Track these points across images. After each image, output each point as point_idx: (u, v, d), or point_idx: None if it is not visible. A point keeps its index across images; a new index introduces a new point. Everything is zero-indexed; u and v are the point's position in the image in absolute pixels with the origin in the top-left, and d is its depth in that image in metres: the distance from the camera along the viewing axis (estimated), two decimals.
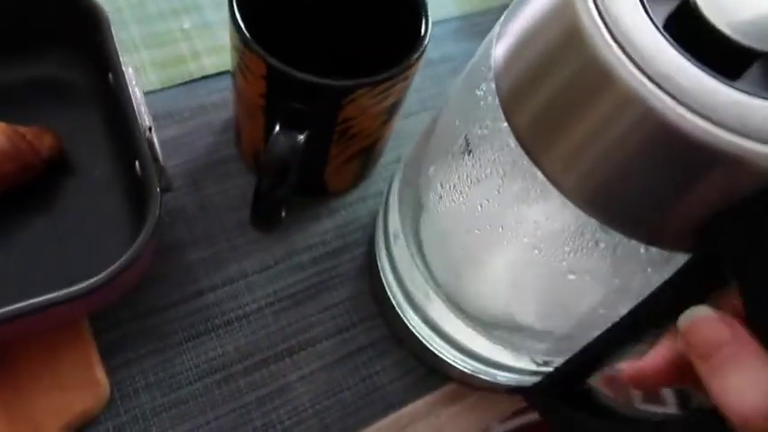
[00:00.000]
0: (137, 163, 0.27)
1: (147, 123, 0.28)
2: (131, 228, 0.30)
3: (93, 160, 0.32)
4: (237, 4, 0.27)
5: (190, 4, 0.40)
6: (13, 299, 0.27)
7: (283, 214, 0.31)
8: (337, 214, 0.35)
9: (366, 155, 0.33)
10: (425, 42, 0.28)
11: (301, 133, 0.27)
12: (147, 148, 0.27)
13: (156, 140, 0.30)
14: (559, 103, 0.17)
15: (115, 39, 0.29)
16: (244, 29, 0.26)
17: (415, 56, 0.27)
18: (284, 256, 0.34)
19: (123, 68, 0.28)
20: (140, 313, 0.31)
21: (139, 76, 0.37)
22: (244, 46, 0.26)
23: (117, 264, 0.24)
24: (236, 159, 0.36)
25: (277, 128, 0.27)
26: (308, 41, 0.35)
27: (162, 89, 0.37)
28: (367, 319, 0.33)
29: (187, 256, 0.33)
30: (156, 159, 0.28)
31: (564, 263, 0.21)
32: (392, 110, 0.30)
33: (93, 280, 0.24)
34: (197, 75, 0.38)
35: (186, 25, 0.39)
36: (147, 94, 0.36)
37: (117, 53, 0.28)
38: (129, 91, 0.27)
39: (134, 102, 0.27)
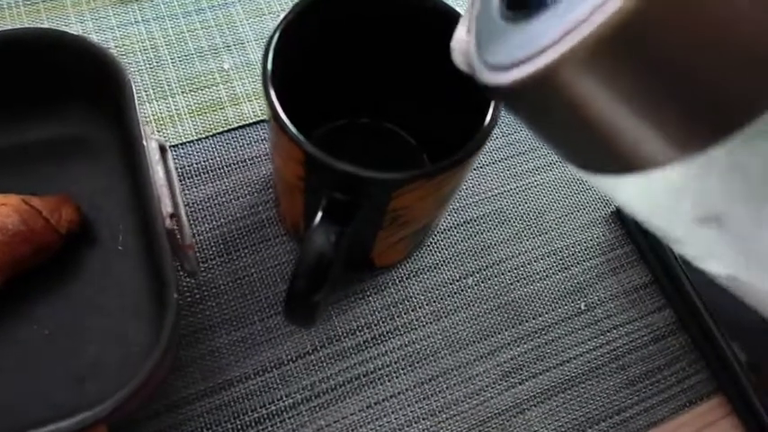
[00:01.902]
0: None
1: (170, 209, 0.24)
2: (154, 309, 0.27)
3: (115, 230, 0.29)
4: (272, 75, 0.23)
5: (231, 40, 0.36)
6: (21, 404, 0.24)
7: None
8: (385, 291, 0.31)
9: (419, 233, 0.29)
10: (494, 126, 0.23)
11: (345, 225, 0.23)
12: (165, 241, 0.23)
13: (184, 217, 0.26)
14: None
15: (137, 106, 0.25)
16: (279, 110, 0.22)
17: (479, 143, 0.22)
18: (324, 342, 0.30)
19: (145, 142, 0.25)
20: (161, 409, 0.27)
21: (174, 126, 0.33)
22: (279, 128, 0.22)
23: (126, 389, 0.21)
24: (275, 222, 0.32)
25: (317, 219, 0.23)
26: (354, 89, 0.31)
27: (198, 139, 0.34)
28: (419, 420, 0.29)
29: (216, 340, 0.29)
30: (179, 246, 0.25)
31: None
32: (450, 194, 0.25)
33: (98, 409, 0.21)
34: (235, 123, 0.34)
35: (226, 65, 0.36)
36: (181, 145, 0.33)
37: (139, 125, 0.25)
38: (149, 174, 0.24)
39: (155, 186, 0.24)
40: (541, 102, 0.13)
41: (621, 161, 0.13)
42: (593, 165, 0.14)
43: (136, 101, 0.25)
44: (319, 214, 0.23)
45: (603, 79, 0.11)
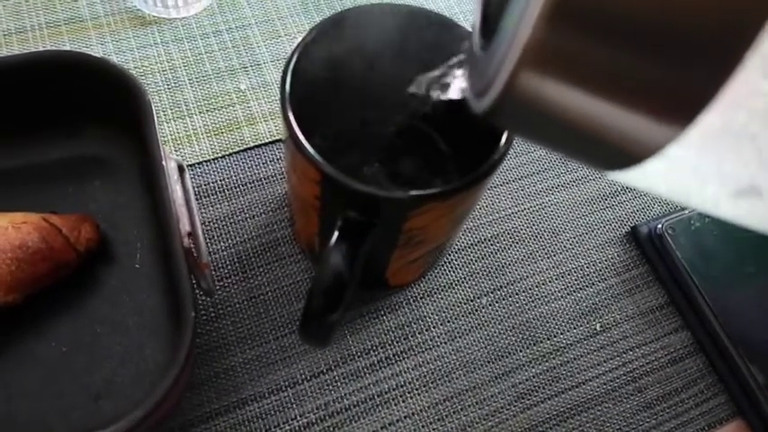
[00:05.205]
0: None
1: (188, 228, 0.24)
2: (171, 327, 0.27)
3: (133, 248, 0.29)
4: (291, 96, 0.23)
5: (248, 61, 0.37)
6: (37, 420, 0.25)
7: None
8: (400, 311, 0.31)
9: (434, 253, 0.29)
10: (509, 147, 0.23)
11: (361, 244, 0.23)
12: (183, 260, 0.23)
13: (201, 236, 0.27)
14: None
15: (157, 126, 0.26)
16: (297, 131, 0.22)
17: (494, 164, 0.23)
18: (338, 361, 0.30)
19: (165, 162, 0.25)
20: (175, 427, 0.27)
21: (191, 146, 0.34)
22: (296, 149, 0.22)
23: (140, 409, 0.21)
24: (290, 241, 0.32)
25: (333, 238, 0.23)
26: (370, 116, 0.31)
27: (214, 158, 0.34)
28: None
29: (231, 358, 0.29)
30: (196, 264, 0.25)
31: None
32: (466, 213, 0.26)
33: (111, 429, 0.21)
34: (251, 143, 0.35)
35: (243, 86, 0.36)
36: (198, 164, 0.34)
37: (158, 145, 0.25)
38: (168, 193, 0.24)
39: (173, 205, 0.24)
40: (526, 113, 0.12)
41: (624, 152, 0.12)
42: (604, 162, 0.13)
43: (155, 121, 0.25)
44: (336, 234, 0.23)
45: (564, 69, 0.11)
